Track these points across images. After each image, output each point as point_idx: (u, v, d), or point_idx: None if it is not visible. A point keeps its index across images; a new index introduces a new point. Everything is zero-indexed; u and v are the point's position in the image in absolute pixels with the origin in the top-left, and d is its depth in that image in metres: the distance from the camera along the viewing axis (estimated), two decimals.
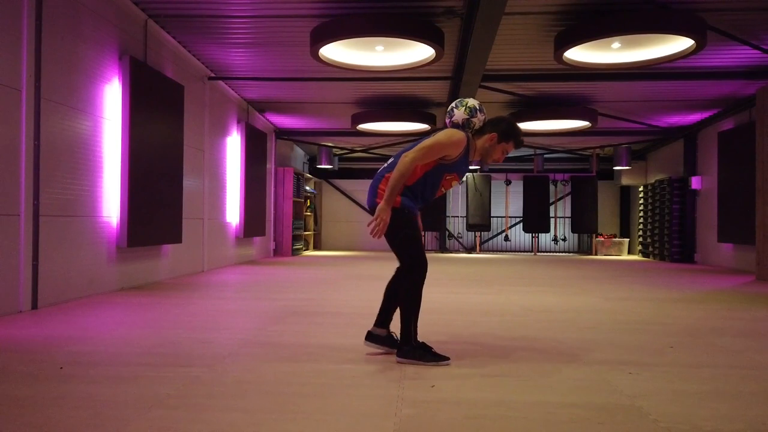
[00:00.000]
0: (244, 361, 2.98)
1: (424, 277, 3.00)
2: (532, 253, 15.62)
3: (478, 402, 2.34)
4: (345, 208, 16.41)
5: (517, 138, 3.11)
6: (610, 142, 13.54)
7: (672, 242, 12.18)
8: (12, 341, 3.37)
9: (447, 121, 3.12)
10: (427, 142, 2.94)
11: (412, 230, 2.99)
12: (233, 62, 7.91)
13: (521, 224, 15.72)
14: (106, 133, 5.64)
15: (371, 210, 3.02)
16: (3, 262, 4.25)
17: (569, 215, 15.66)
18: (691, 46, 6.11)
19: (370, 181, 3.14)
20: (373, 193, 3.04)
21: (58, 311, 4.44)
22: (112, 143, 5.72)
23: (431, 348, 3.00)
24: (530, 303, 5.30)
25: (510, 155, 15.57)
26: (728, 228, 9.99)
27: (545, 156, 15.24)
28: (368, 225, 2.91)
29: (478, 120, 3.07)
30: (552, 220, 15.83)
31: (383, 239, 3.00)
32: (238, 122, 9.86)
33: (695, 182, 11.64)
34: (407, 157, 2.88)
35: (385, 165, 3.08)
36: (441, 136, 2.96)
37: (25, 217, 4.44)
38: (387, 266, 9.87)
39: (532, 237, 15.93)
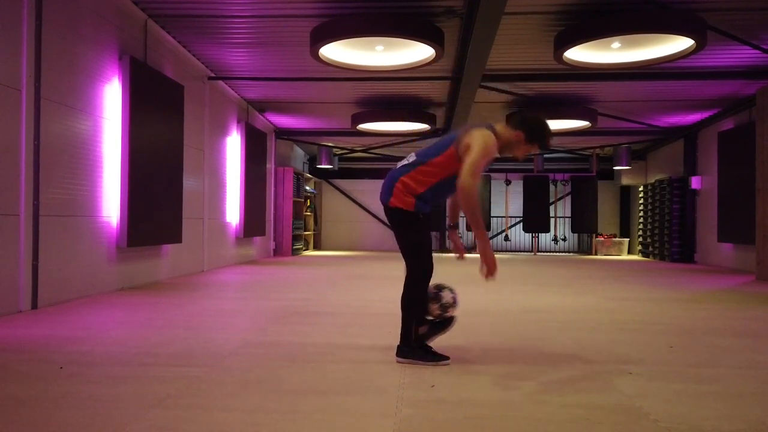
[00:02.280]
0: (244, 361, 2.98)
1: (428, 281, 2.98)
2: (532, 253, 15.62)
3: (478, 402, 2.34)
4: (345, 208, 16.41)
5: (544, 140, 2.97)
6: (610, 142, 13.54)
7: (672, 242, 12.18)
8: (12, 341, 3.37)
9: None
10: (473, 157, 2.77)
11: (422, 236, 2.98)
12: (233, 62, 7.91)
13: (521, 224, 15.72)
14: (106, 133, 5.64)
15: (384, 206, 3.00)
16: (3, 262, 4.24)
17: (569, 215, 15.66)
18: (691, 46, 6.11)
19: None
20: (388, 192, 2.97)
21: (58, 311, 4.44)
22: (112, 143, 5.72)
23: (431, 348, 3.00)
24: (530, 303, 5.30)
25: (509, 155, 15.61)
26: (728, 228, 9.98)
27: (545, 156, 15.24)
28: (480, 271, 2.80)
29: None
30: (552, 220, 15.84)
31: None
32: (238, 122, 9.86)
33: (695, 182, 11.64)
34: (466, 183, 2.74)
35: (402, 165, 2.99)
36: (479, 147, 2.79)
37: (25, 217, 4.44)
38: (387, 266, 9.86)
39: (532, 237, 15.93)
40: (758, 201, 8.01)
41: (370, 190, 16.32)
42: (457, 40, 6.80)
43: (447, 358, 2.95)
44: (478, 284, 6.38)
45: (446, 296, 2.97)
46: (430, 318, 2.99)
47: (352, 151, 14.87)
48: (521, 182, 15.47)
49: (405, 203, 2.93)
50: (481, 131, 2.88)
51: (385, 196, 2.99)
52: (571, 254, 15.43)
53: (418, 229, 2.96)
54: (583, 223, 14.87)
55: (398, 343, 3.01)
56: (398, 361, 2.95)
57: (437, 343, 3.06)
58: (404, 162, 3.02)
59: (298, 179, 13.11)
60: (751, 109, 9.06)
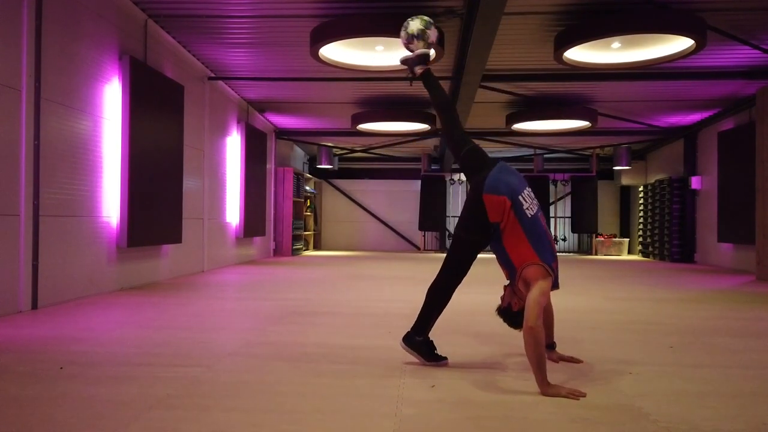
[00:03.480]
0: (244, 361, 2.98)
1: (459, 282, 2.93)
2: None
3: (478, 402, 2.34)
4: (345, 208, 16.41)
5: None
6: (610, 142, 13.54)
7: (672, 242, 12.18)
8: (12, 341, 3.37)
9: (424, 43, 3.11)
10: (535, 298, 2.57)
11: (480, 243, 2.84)
12: (233, 62, 7.91)
13: None
14: (106, 133, 5.64)
15: (479, 190, 2.75)
16: (3, 262, 4.24)
17: (569, 215, 15.66)
18: (691, 46, 6.11)
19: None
20: (494, 189, 2.73)
21: (58, 311, 4.44)
22: (112, 143, 5.72)
23: (434, 347, 2.98)
24: None
25: (509, 155, 15.61)
26: (728, 228, 9.98)
27: (545, 156, 15.24)
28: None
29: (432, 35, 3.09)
30: (552, 220, 15.83)
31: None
32: (238, 122, 9.86)
33: (695, 182, 11.64)
34: (531, 322, 2.52)
35: (525, 198, 2.75)
36: (544, 285, 2.62)
37: (25, 217, 4.44)
38: (387, 267, 9.87)
39: None
40: (758, 201, 8.01)
41: (370, 190, 16.33)
42: (457, 40, 6.80)
43: (446, 359, 2.95)
44: (478, 284, 6.38)
45: (413, 26, 3.07)
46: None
47: (352, 151, 14.87)
48: None
49: (492, 214, 2.73)
50: (545, 282, 2.64)
51: (491, 187, 2.72)
52: (571, 254, 15.42)
53: (484, 233, 2.81)
54: (583, 223, 14.86)
55: (409, 330, 2.96)
56: (401, 346, 2.94)
57: (437, 342, 3.06)
58: (528, 199, 2.74)
59: (298, 179, 13.11)
60: (751, 109, 9.06)
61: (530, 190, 2.83)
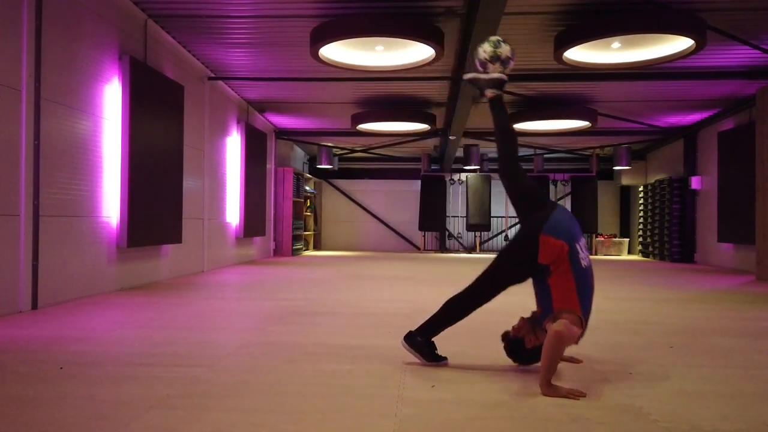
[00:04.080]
0: (244, 361, 2.98)
1: (480, 305, 2.90)
2: None
3: (478, 402, 2.34)
4: (345, 208, 16.41)
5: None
6: (610, 142, 13.54)
7: (672, 242, 12.18)
8: (12, 341, 3.37)
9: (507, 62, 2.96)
10: (566, 323, 2.58)
11: (518, 274, 2.82)
12: (233, 62, 7.91)
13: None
14: (106, 133, 5.63)
15: (533, 231, 2.74)
16: (3, 262, 4.24)
17: None
18: (691, 46, 6.11)
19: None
20: (556, 232, 2.72)
21: (58, 311, 4.44)
22: (112, 143, 5.72)
23: (435, 348, 2.98)
24: (530, 303, 5.28)
25: None
26: (728, 228, 9.99)
27: (545, 156, 15.24)
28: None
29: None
30: None
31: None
32: (238, 122, 9.86)
33: (695, 182, 11.64)
34: (560, 327, 2.53)
35: (581, 251, 2.74)
36: (575, 330, 2.61)
37: (25, 217, 4.44)
38: (387, 267, 9.86)
39: None
40: (758, 201, 8.01)
41: (370, 190, 16.33)
42: (457, 40, 6.80)
43: (446, 359, 2.94)
44: None
45: (505, 49, 2.91)
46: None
47: (352, 151, 14.87)
48: None
49: (543, 255, 2.68)
50: (569, 327, 2.61)
51: (552, 229, 2.69)
52: None
53: (528, 270, 2.78)
54: (583, 223, 14.84)
55: (413, 330, 2.96)
56: (402, 345, 2.93)
57: (438, 340, 3.06)
58: (583, 249, 2.76)
59: (298, 179, 13.11)
60: (751, 109, 9.06)
61: (584, 241, 2.83)
